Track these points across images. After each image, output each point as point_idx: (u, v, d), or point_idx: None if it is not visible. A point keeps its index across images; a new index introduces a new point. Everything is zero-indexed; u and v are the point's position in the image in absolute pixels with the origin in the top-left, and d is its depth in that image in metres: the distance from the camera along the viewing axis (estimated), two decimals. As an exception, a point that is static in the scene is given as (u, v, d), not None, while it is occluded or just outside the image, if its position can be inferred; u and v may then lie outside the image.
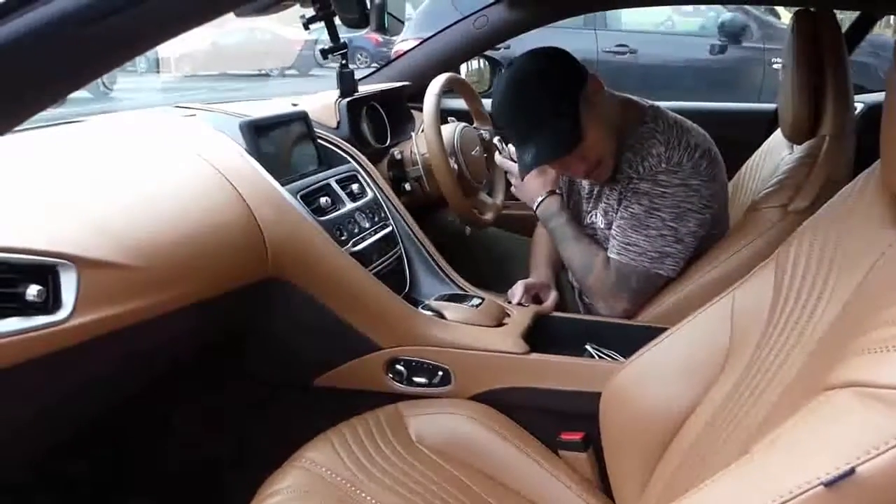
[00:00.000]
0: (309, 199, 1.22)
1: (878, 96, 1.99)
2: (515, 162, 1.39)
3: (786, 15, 5.83)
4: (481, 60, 2.25)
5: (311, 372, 1.25)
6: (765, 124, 1.89)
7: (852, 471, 0.47)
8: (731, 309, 0.90)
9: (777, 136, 1.46)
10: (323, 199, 1.24)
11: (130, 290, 0.89)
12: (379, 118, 1.65)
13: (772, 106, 2.06)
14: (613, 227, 1.30)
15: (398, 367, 1.20)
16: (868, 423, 0.48)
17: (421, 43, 1.92)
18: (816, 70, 1.20)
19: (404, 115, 1.76)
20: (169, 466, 1.36)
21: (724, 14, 5.19)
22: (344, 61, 1.40)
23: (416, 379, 1.20)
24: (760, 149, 1.54)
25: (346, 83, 1.42)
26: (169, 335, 1.03)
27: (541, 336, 1.24)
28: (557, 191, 1.42)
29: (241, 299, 1.11)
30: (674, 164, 1.23)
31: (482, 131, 1.71)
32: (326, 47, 1.39)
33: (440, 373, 1.18)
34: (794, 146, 1.33)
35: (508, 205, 1.92)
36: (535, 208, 1.42)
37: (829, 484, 0.48)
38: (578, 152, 1.23)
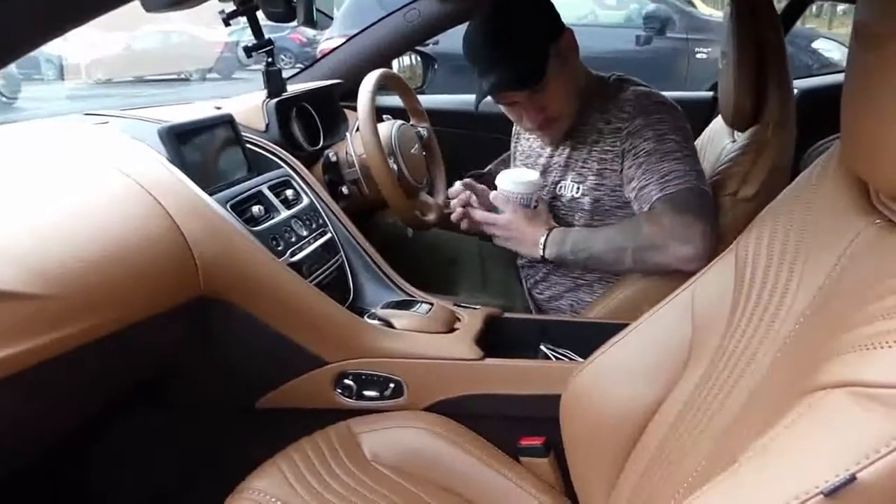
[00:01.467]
0: (240, 208, 1.14)
1: (807, 82, 2.04)
2: (496, 211, 1.33)
3: (700, 5, 6.01)
4: (413, 56, 2.20)
5: (253, 393, 1.16)
6: (704, 112, 1.90)
7: (853, 478, 0.44)
8: (692, 303, 0.87)
9: (717, 123, 1.46)
10: (255, 208, 1.16)
11: (42, 322, 0.79)
12: (310, 119, 1.57)
13: (708, 94, 2.08)
14: (637, 174, 1.20)
15: (347, 381, 1.13)
16: (866, 425, 0.45)
17: (349, 39, 1.84)
18: (757, 56, 1.20)
19: (337, 114, 1.68)
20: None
21: (648, 6, 5.32)
22: (270, 59, 1.31)
23: (367, 393, 1.13)
24: (701, 137, 1.54)
25: (274, 83, 1.34)
26: (91, 367, 0.93)
27: (494, 339, 1.20)
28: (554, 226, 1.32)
29: (171, 322, 1.02)
30: (654, 100, 1.25)
31: (420, 129, 1.65)
32: (250, 45, 1.30)
33: (391, 385, 1.12)
34: (737, 133, 1.33)
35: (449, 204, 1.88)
36: (541, 253, 1.28)
37: (829, 493, 0.45)
38: (539, 99, 1.25)
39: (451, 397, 1.11)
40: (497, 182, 1.32)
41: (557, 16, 1.29)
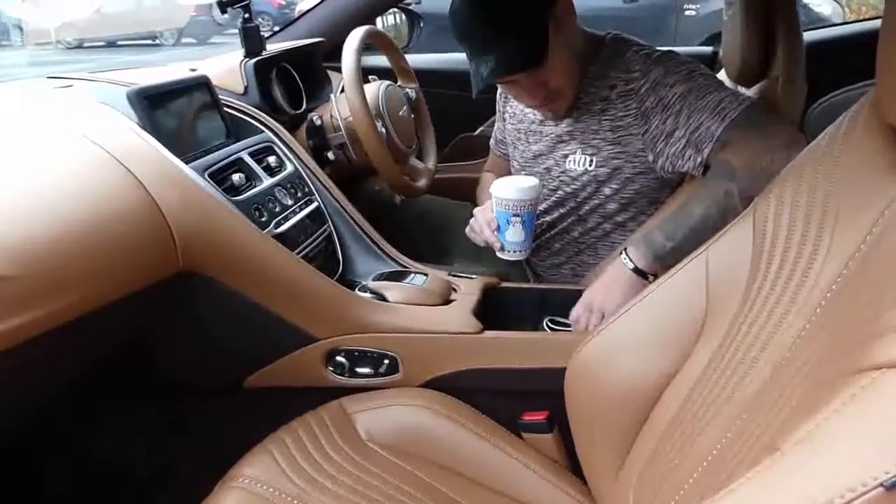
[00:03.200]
0: (219, 176, 1.07)
1: (811, 35, 1.96)
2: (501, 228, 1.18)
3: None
4: (398, 14, 2.10)
5: (240, 372, 1.10)
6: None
7: (920, 470, 0.39)
8: (706, 270, 0.82)
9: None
10: (236, 177, 1.08)
11: (7, 304, 0.72)
12: (291, 81, 1.49)
13: (708, 49, 2.00)
14: (679, 122, 1.08)
15: (339, 358, 1.07)
16: (930, 411, 0.40)
17: (330, -3, 1.74)
18: (765, 5, 1.13)
19: (320, 75, 1.60)
20: (84, 493, 1.19)
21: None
22: (247, 15, 1.22)
23: (360, 370, 1.08)
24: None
25: (252, 41, 1.24)
26: (65, 350, 0.87)
27: (493, 310, 1.14)
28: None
29: (150, 300, 0.95)
30: (660, 53, 1.16)
31: (408, 90, 1.57)
32: (225, 0, 1.21)
33: (386, 361, 1.07)
34: (742, 90, 1.27)
35: (442, 168, 1.81)
36: (632, 269, 1.08)
37: (891, 487, 0.40)
38: (540, 75, 1.14)
39: (449, 373, 1.06)
40: (493, 191, 1.17)
41: None
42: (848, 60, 1.47)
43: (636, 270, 1.07)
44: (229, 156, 1.12)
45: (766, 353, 0.69)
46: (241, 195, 1.07)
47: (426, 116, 1.63)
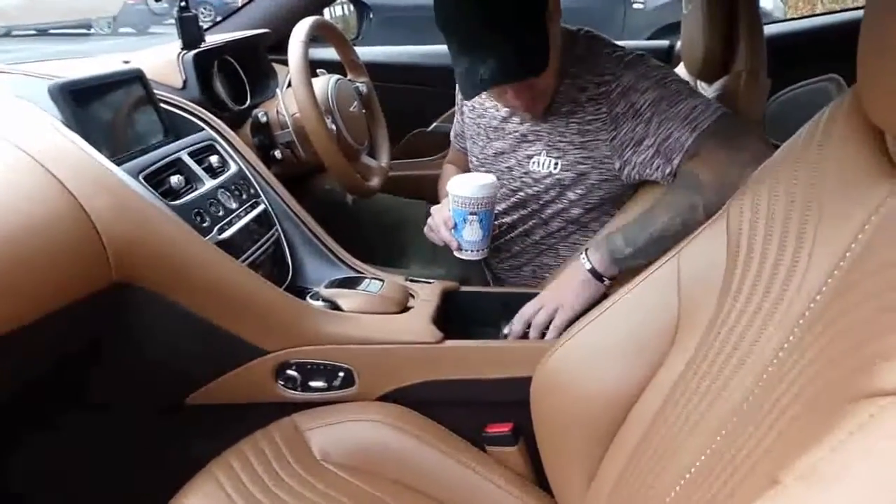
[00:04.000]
0: (155, 179, 0.98)
1: (768, 29, 1.96)
2: (457, 226, 1.13)
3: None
4: (346, 5, 2.02)
5: (183, 390, 1.03)
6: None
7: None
8: (678, 275, 0.78)
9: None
10: (174, 179, 1.00)
11: None
12: (234, 75, 1.40)
13: (664, 43, 1.98)
14: (649, 130, 1.04)
15: (290, 372, 1.01)
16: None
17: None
18: (728, 0, 1.10)
19: (264, 69, 1.51)
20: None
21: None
22: (184, 3, 1.12)
23: (314, 384, 1.01)
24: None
25: (189, 31, 1.15)
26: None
27: (453, 316, 1.09)
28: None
29: (80, 315, 0.86)
30: (632, 55, 1.10)
31: (358, 84, 1.51)
32: (159, -13, 1.11)
33: (341, 374, 1.00)
34: (702, 84, 1.25)
35: (395, 166, 1.74)
36: (589, 269, 1.04)
37: (908, 529, 0.36)
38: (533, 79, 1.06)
39: (408, 385, 1.00)
40: (450, 189, 1.12)
41: None
42: (804, 55, 1.47)
43: (593, 272, 1.04)
44: (167, 156, 1.03)
45: (746, 366, 0.66)
46: (180, 199, 0.99)
47: (378, 112, 1.57)
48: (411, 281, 1.15)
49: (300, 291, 1.10)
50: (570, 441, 0.84)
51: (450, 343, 1.00)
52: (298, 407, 1.01)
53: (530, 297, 1.11)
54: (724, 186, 0.94)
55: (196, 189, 1.03)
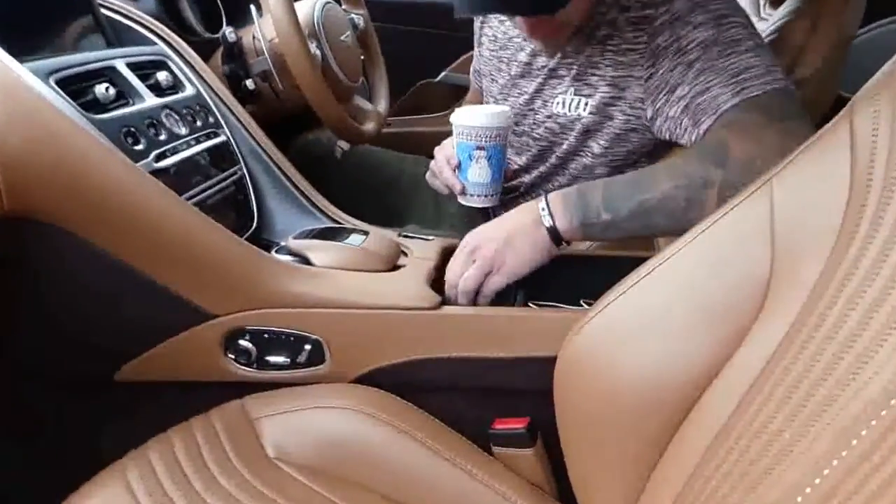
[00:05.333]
0: (74, 86, 0.76)
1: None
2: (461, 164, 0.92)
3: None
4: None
5: (108, 362, 0.80)
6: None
7: None
8: (770, 213, 0.55)
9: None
10: (100, 88, 0.78)
11: None
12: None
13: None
14: (686, 77, 0.82)
15: (243, 342, 0.78)
16: None
17: None
18: None
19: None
20: None
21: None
22: None
23: (272, 358, 0.79)
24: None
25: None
26: None
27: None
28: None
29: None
30: None
31: (353, 15, 1.28)
32: None
33: (307, 346, 0.78)
34: (765, 10, 1.01)
35: (396, 122, 1.52)
36: (548, 233, 0.78)
37: None
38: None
39: (394, 363, 0.77)
40: (454, 119, 0.91)
41: None
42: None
43: (552, 231, 0.78)
44: (95, 61, 0.81)
45: (886, 347, 0.43)
46: (106, 113, 0.77)
47: (376, 51, 1.34)
48: (405, 237, 0.93)
49: (266, 246, 0.87)
50: (609, 443, 0.61)
51: (449, 309, 0.76)
52: (252, 388, 0.78)
53: (558, 262, 0.87)
54: (752, 171, 0.70)
55: (130, 105, 0.81)
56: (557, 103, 0.97)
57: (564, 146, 0.98)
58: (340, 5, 1.25)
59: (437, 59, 1.58)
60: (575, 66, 0.94)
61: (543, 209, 0.78)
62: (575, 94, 0.94)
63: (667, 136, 0.87)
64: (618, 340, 0.61)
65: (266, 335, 0.78)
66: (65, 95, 0.73)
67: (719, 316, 0.56)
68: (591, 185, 0.79)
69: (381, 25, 1.38)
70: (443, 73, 1.60)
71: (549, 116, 0.99)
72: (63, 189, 0.68)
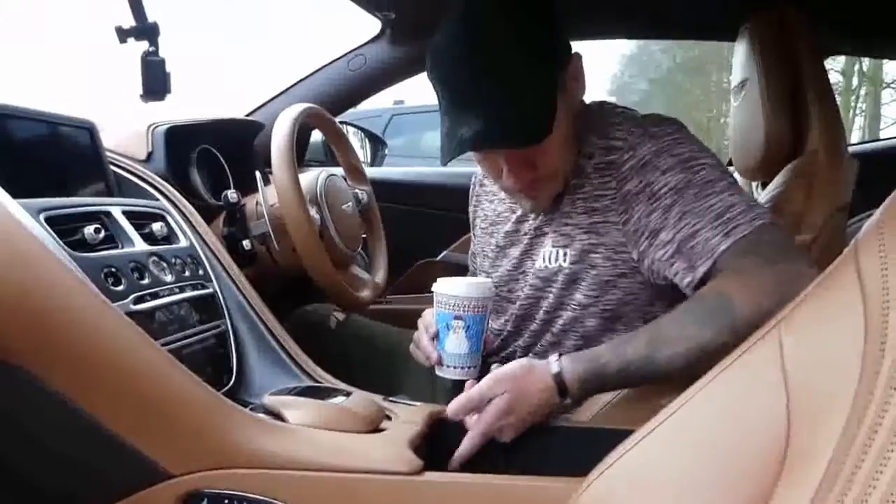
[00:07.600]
0: (64, 225, 0.75)
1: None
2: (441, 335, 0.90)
3: None
4: (360, 133, 1.91)
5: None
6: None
7: None
8: (780, 360, 0.50)
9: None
10: (89, 229, 0.77)
11: None
12: (215, 164, 1.23)
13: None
14: (668, 221, 0.81)
15: (199, 508, 0.69)
16: None
17: (281, 94, 1.54)
18: (790, 72, 0.93)
19: (253, 162, 1.34)
20: None
21: None
22: (153, 48, 0.96)
23: (230, 529, 0.69)
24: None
25: (154, 78, 0.96)
26: None
27: (441, 452, 0.79)
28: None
29: None
30: (655, 118, 0.89)
31: (357, 190, 1.32)
32: (127, 27, 0.96)
33: (273, 514, 0.69)
34: (758, 191, 1.03)
35: (396, 300, 1.51)
36: (557, 387, 0.78)
37: None
38: (530, 153, 0.84)
39: (369, 537, 0.68)
40: (434, 288, 0.91)
41: (564, 36, 0.89)
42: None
43: (558, 379, 0.77)
44: (90, 205, 0.81)
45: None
46: (92, 252, 0.75)
47: (378, 226, 1.37)
48: (390, 401, 0.87)
49: (243, 402, 0.81)
50: None
51: (432, 476, 0.68)
52: (204, 564, 0.68)
53: (547, 431, 0.81)
54: (760, 317, 0.67)
55: (117, 248, 0.80)
56: (541, 259, 0.95)
57: (550, 299, 0.94)
58: (346, 182, 1.30)
59: (437, 238, 1.61)
60: (553, 220, 0.94)
61: (552, 357, 0.80)
62: (553, 247, 0.93)
63: (660, 280, 0.85)
64: (622, 507, 0.53)
65: (226, 499, 0.69)
66: (51, 231, 0.72)
67: (734, 476, 0.50)
68: (592, 348, 0.80)
69: (383, 205, 1.42)
70: (443, 253, 1.62)
71: (533, 274, 0.97)
72: (30, 327, 0.65)
